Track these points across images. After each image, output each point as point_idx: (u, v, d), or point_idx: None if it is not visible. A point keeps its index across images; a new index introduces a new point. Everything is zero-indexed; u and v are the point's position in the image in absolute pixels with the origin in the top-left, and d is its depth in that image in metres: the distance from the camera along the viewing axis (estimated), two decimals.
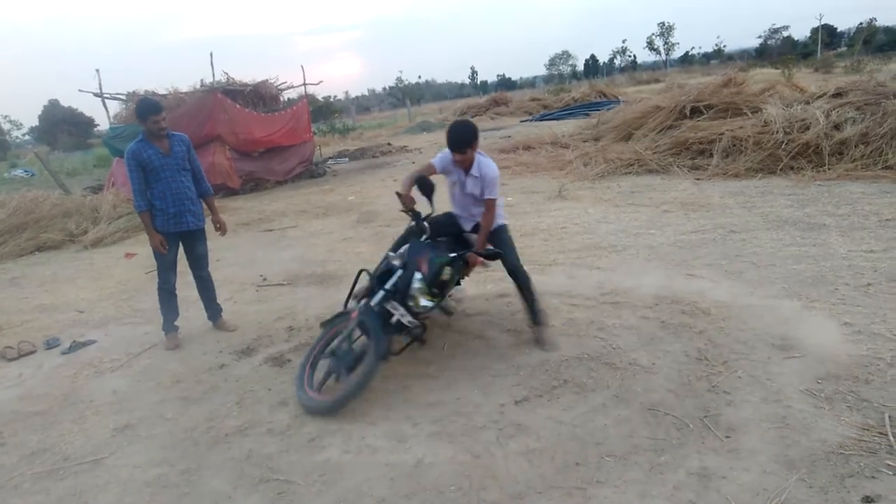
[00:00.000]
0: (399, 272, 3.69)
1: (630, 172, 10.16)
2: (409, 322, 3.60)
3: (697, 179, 9.08)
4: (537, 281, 5.26)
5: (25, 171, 28.69)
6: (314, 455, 3.14)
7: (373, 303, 3.67)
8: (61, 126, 62.40)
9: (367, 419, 3.43)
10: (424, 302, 3.60)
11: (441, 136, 18.16)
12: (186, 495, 2.93)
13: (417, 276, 3.61)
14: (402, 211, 3.89)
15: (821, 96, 10.17)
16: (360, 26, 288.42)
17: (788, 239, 5.77)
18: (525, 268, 4.16)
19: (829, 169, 8.37)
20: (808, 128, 9.13)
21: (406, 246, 3.85)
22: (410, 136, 24.04)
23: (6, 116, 73.69)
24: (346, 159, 18.70)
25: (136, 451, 3.38)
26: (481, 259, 3.84)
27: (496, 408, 3.39)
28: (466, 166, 3.95)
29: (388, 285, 3.68)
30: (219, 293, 5.23)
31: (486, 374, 3.79)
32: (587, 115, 18.94)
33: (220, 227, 5.05)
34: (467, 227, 4.20)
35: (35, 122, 70.62)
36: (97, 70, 13.65)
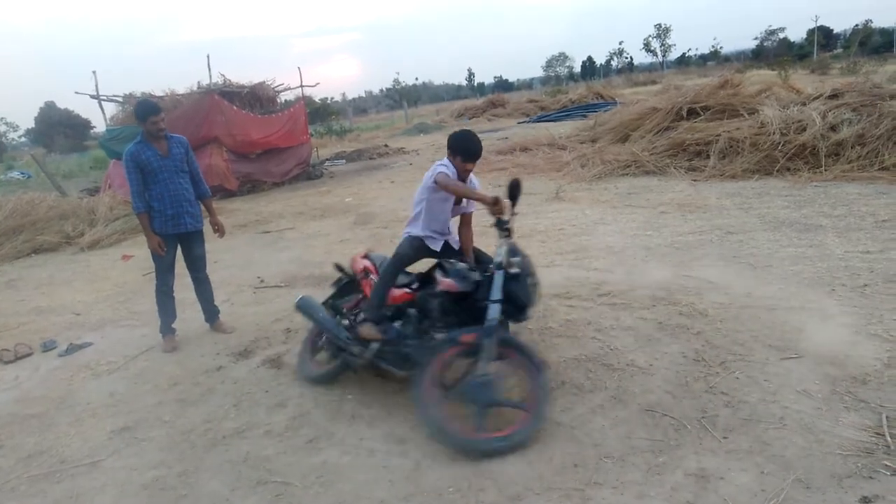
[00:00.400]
0: (500, 276, 3.24)
1: (627, 174, 10.18)
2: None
3: (694, 181, 9.10)
4: None
5: (22, 174, 28.66)
6: (312, 457, 3.13)
7: (492, 319, 3.17)
8: (58, 128, 62.34)
9: (365, 421, 3.43)
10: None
11: (438, 138, 18.14)
12: (184, 497, 2.93)
13: (529, 279, 3.36)
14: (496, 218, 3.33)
15: (817, 98, 10.18)
16: (357, 28, 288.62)
17: (785, 240, 5.78)
18: None
19: (825, 170, 8.38)
20: (804, 129, 9.15)
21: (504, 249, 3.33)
22: (408, 138, 24.05)
23: (2, 118, 73.63)
24: (343, 161, 18.69)
25: (134, 453, 3.38)
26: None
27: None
28: (466, 178, 3.68)
29: (497, 295, 3.20)
30: (216, 295, 5.22)
31: None
32: (584, 116, 18.97)
33: (218, 230, 5.05)
34: (436, 247, 3.74)
35: (31, 124, 70.58)
36: (94, 72, 13.64)
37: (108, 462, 3.31)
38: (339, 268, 4.24)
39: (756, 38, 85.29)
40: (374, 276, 3.80)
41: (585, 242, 6.46)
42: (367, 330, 3.61)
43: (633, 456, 2.85)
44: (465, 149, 3.56)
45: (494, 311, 3.18)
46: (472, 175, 3.73)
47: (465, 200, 3.75)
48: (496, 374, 3.17)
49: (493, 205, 3.23)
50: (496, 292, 3.21)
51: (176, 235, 4.77)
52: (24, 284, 7.69)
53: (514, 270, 3.26)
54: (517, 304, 3.27)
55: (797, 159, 8.86)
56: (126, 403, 3.98)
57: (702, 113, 11.16)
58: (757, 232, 6.15)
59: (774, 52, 66.17)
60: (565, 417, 3.23)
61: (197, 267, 4.99)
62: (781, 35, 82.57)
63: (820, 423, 2.92)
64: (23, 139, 76.35)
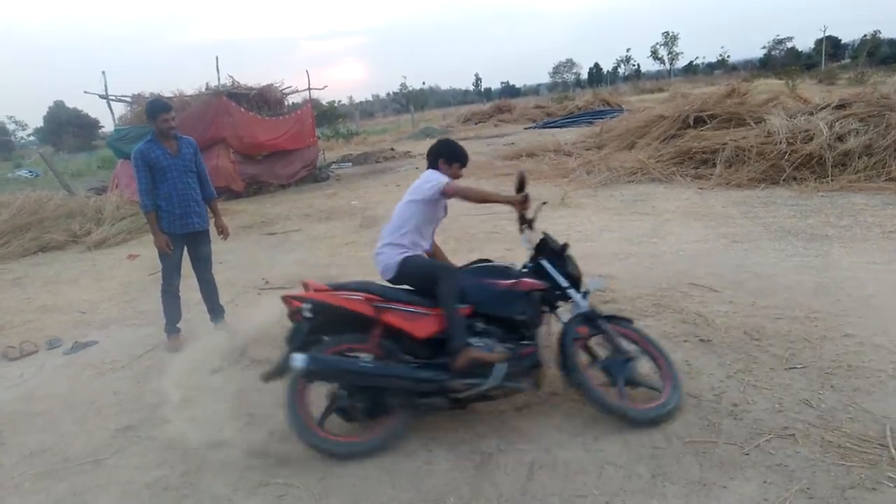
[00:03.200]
0: (549, 263, 3.41)
1: (633, 181, 10.17)
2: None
3: (700, 189, 9.09)
4: None
5: (30, 172, 28.85)
6: (314, 459, 3.13)
7: (571, 319, 3.39)
8: (66, 127, 62.75)
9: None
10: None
11: None
12: (186, 498, 2.94)
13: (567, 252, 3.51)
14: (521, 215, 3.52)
15: (824, 107, 10.17)
16: (365, 32, 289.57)
17: (791, 249, 5.77)
18: None
19: (832, 180, 8.37)
20: (811, 139, 9.14)
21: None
22: (414, 142, 24.08)
23: (11, 117, 74.33)
24: (350, 164, 18.74)
25: (137, 452, 3.39)
26: None
27: (497, 415, 3.39)
28: None
29: (563, 283, 3.38)
30: (221, 295, 5.23)
31: None
32: (591, 123, 19.00)
33: (223, 231, 5.08)
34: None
35: (40, 123, 71.02)
36: (103, 72, 13.71)
37: (111, 461, 3.33)
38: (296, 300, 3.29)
39: (764, 48, 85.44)
40: (388, 304, 3.24)
41: (590, 249, 6.45)
42: (483, 354, 3.14)
43: (637, 464, 2.85)
44: (461, 155, 3.62)
45: (577, 296, 3.38)
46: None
47: (442, 210, 3.67)
48: (634, 353, 3.34)
49: (523, 202, 3.33)
50: (561, 279, 3.37)
51: (183, 235, 4.80)
52: (31, 282, 7.74)
53: (557, 248, 3.45)
54: (575, 279, 3.44)
55: (804, 169, 8.85)
56: (130, 402, 4.00)
57: (708, 121, 11.18)
58: (762, 241, 6.14)
59: (782, 62, 66.14)
60: (568, 424, 3.23)
61: (203, 267, 5.01)
62: (789, 44, 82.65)
63: (824, 434, 2.91)
64: (31, 138, 76.95)
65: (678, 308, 4.60)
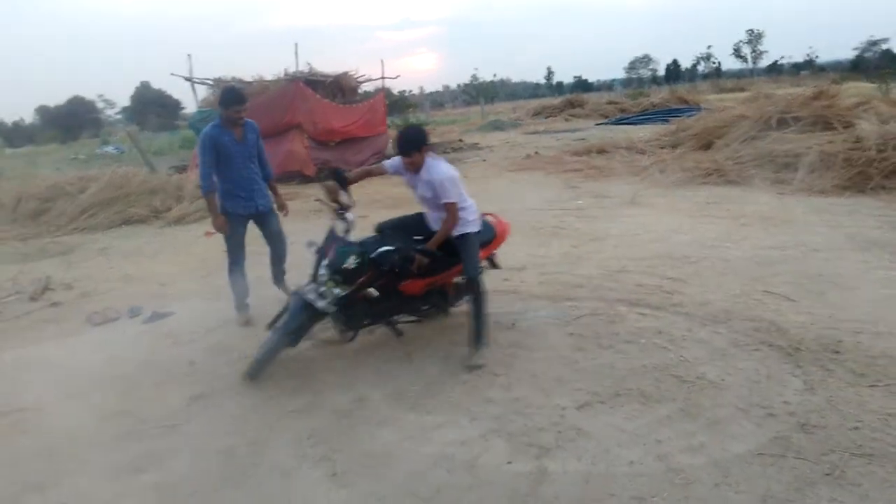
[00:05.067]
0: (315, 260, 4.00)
1: (708, 182, 9.84)
2: (322, 307, 3.77)
3: (780, 194, 8.71)
4: (605, 287, 5.22)
5: (116, 149, 30.42)
6: (374, 439, 3.21)
7: (300, 289, 3.95)
8: (151, 107, 65.70)
9: (426, 409, 3.48)
10: (335, 290, 3.78)
11: (513, 136, 18.11)
12: (254, 466, 3.06)
13: (324, 262, 3.89)
14: (331, 202, 4.23)
15: None
16: (438, 22, 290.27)
17: (876, 262, 5.47)
18: (483, 285, 4.07)
19: None
20: None
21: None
22: (482, 134, 24.02)
23: (101, 96, 78.10)
24: None
25: (208, 419, 3.55)
26: (424, 259, 3.90)
27: (556, 410, 3.38)
28: (415, 169, 4.00)
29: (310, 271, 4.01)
30: (288, 276, 5.40)
31: (548, 375, 3.78)
32: (666, 121, 18.44)
33: (283, 208, 5.31)
34: (436, 227, 4.16)
35: (127, 103, 74.51)
36: (189, 55, 14.31)
37: (184, 427, 3.49)
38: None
39: (855, 49, 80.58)
40: None
41: (660, 250, 6.30)
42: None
43: (698, 470, 2.79)
44: (396, 143, 4.03)
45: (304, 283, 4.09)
46: (429, 161, 4.01)
47: (419, 189, 4.10)
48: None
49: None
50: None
51: (248, 216, 5.02)
52: (115, 253, 8.17)
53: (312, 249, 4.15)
54: None
55: (894, 178, 8.35)
56: (203, 373, 4.18)
57: (792, 123, 10.67)
58: (845, 251, 5.84)
59: (875, 64, 62.35)
60: (630, 425, 3.19)
61: (276, 240, 5.23)
62: (884, 46, 77.77)
63: None
64: (118, 116, 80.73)
65: (751, 316, 4.44)
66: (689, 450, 2.94)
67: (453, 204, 3.91)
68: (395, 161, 4.10)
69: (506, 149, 17.67)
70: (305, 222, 8.14)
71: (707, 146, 11.69)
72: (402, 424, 3.36)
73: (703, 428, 3.11)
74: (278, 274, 5.37)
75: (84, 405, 3.79)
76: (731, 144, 10.99)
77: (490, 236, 4.41)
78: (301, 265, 4.58)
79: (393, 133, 20.70)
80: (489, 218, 4.60)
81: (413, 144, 3.92)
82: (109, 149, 31.18)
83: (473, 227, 4.08)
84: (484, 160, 15.56)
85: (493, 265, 4.71)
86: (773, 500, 2.56)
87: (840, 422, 3.08)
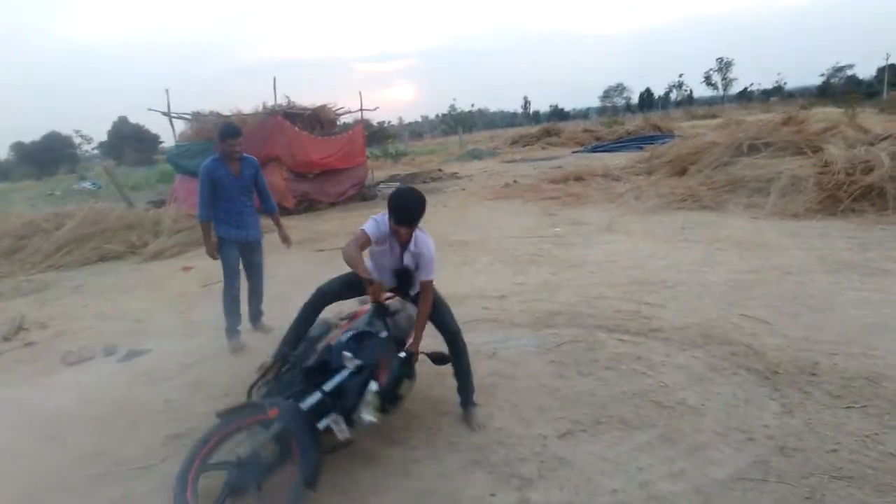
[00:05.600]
0: (346, 374, 3.08)
1: (683, 208, 10.00)
2: (346, 439, 2.95)
3: (753, 218, 8.88)
4: (584, 314, 5.25)
5: (93, 184, 30.12)
6: (359, 475, 3.16)
7: (304, 406, 2.98)
8: (128, 141, 65.23)
9: (409, 444, 3.45)
10: (370, 417, 3.01)
11: (491, 164, 18.16)
12: None
13: (373, 386, 3.06)
14: (372, 302, 3.51)
15: (886, 138, 9.87)
16: (416, 54, 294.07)
17: (847, 283, 5.58)
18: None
19: (893, 212, 8.08)
20: (871, 170, 8.85)
21: (347, 337, 3.29)
22: (461, 164, 24.23)
23: (78, 131, 77.36)
24: (398, 183, 18.94)
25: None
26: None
27: (538, 440, 3.37)
28: (405, 240, 3.62)
29: (328, 387, 3.06)
30: (269, 308, 5.39)
31: (529, 405, 3.77)
32: (640, 148, 18.82)
33: (286, 240, 5.47)
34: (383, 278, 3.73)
35: (104, 137, 73.92)
36: (166, 90, 14.27)
37: (160, 467, 3.42)
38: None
39: (822, 75, 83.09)
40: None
41: (637, 275, 6.37)
42: None
43: (680, 497, 2.79)
44: (395, 209, 3.50)
45: (312, 400, 3.04)
46: (417, 233, 3.67)
47: (405, 259, 3.72)
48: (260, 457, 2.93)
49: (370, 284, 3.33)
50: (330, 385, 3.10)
51: (238, 243, 5.15)
52: (91, 290, 8.05)
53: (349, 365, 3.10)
54: None
55: (863, 201, 8.56)
56: (180, 410, 4.11)
57: (763, 149, 10.94)
58: (818, 273, 5.95)
59: (841, 90, 64.17)
60: (611, 453, 3.18)
61: (255, 273, 5.36)
62: (850, 72, 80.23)
63: (881, 477, 2.80)
64: (95, 151, 79.99)
65: (728, 339, 4.49)
66: (671, 476, 2.95)
67: (431, 282, 3.59)
68: (380, 227, 3.65)
69: (484, 177, 17.83)
70: (288, 255, 8.10)
71: (681, 172, 11.91)
72: (386, 460, 3.32)
73: (684, 454, 3.12)
74: (255, 313, 5.44)
75: (58, 447, 3.71)
76: (704, 170, 11.22)
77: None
78: (277, 303, 4.57)
79: (372, 164, 20.88)
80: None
81: (419, 215, 3.56)
82: (86, 184, 30.88)
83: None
84: (463, 189, 15.67)
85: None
86: None
87: (818, 444, 3.10)
